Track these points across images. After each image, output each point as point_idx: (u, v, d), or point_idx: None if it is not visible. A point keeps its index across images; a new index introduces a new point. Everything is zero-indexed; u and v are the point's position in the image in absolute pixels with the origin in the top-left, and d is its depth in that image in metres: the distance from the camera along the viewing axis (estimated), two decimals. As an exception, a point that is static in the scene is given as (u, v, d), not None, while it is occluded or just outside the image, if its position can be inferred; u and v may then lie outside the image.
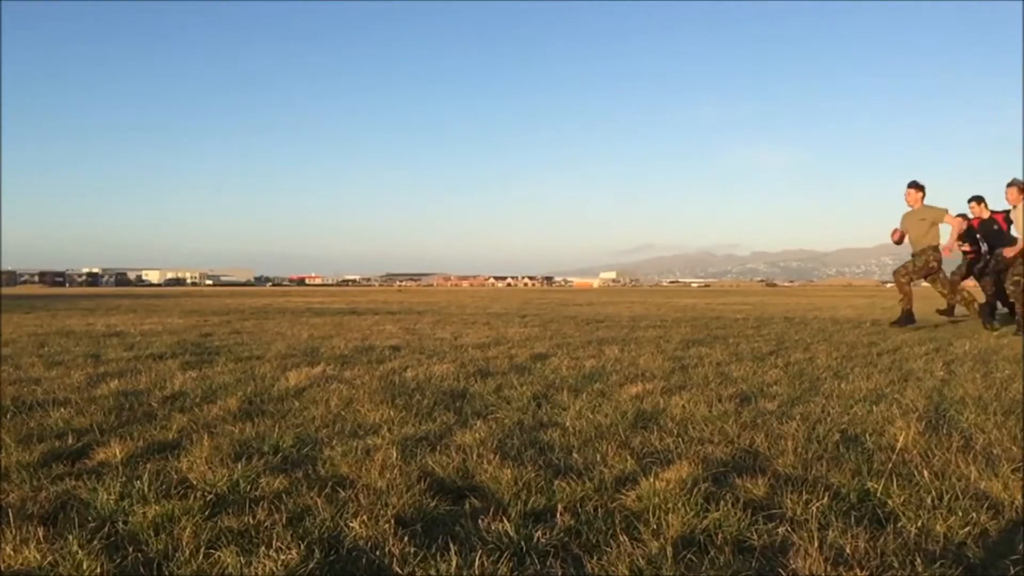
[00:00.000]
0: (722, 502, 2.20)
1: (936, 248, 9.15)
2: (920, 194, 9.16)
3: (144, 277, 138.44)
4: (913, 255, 9.26)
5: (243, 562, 1.82)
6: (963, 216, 9.60)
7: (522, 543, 1.93)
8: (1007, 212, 9.28)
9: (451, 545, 1.90)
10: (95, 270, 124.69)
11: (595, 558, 1.86)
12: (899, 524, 2.08)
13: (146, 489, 2.32)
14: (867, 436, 3.10)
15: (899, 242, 9.40)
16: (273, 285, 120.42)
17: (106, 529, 2.02)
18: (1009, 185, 8.89)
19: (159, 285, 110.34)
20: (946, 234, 9.23)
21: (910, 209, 9.23)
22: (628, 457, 2.72)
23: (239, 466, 2.55)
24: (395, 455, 2.73)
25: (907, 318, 9.18)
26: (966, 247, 10.10)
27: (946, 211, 9.12)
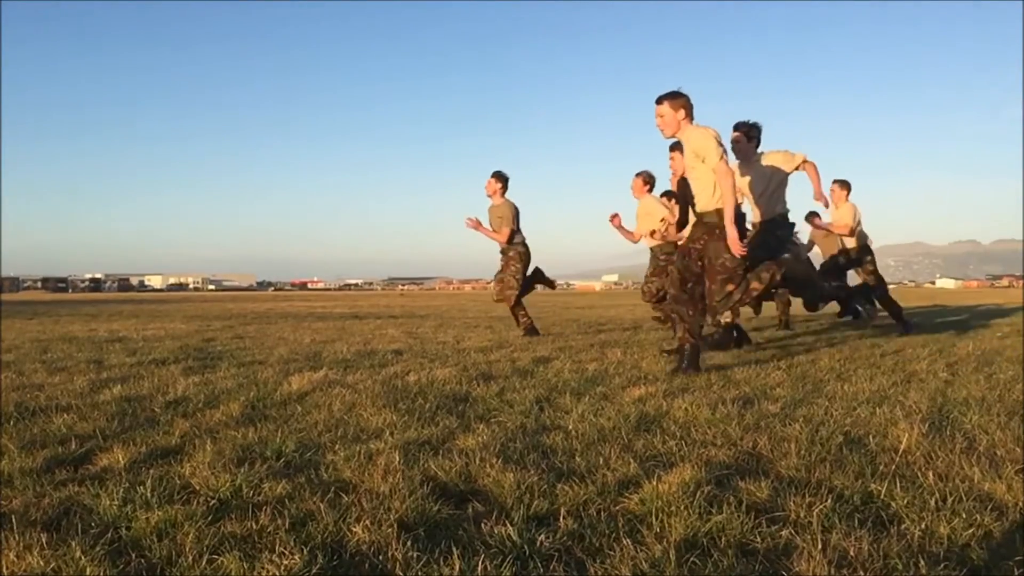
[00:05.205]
0: (725, 505, 2.19)
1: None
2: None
3: (147, 283, 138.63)
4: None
5: (246, 567, 1.82)
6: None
7: (525, 547, 1.93)
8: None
9: (454, 549, 1.90)
10: (98, 276, 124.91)
11: (598, 561, 1.86)
12: (903, 526, 2.08)
13: (149, 494, 2.32)
14: (870, 438, 3.09)
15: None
16: (275, 290, 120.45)
17: (109, 535, 2.02)
18: (636, 176, 7.77)
19: (161, 290, 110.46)
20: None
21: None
22: (631, 460, 2.72)
23: (242, 471, 2.55)
24: (397, 459, 2.73)
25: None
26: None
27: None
